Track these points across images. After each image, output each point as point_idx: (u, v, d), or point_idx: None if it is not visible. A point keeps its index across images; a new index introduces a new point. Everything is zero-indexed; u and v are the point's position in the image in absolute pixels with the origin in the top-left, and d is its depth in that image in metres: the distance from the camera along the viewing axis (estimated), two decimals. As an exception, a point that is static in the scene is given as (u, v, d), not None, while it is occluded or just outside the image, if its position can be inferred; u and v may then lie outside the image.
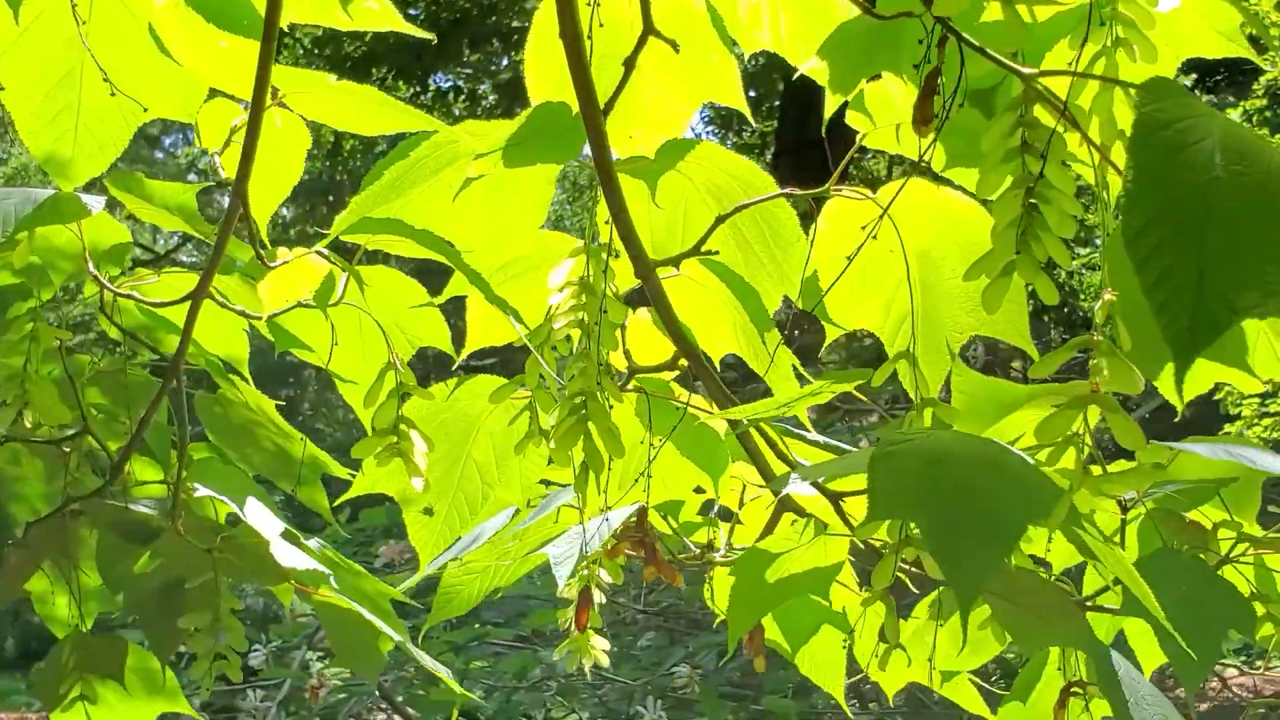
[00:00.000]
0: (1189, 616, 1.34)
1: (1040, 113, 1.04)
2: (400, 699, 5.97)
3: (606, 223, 1.36)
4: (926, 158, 1.02)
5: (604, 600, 2.05)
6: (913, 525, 1.19)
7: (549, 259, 1.48)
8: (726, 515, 1.81)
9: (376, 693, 5.95)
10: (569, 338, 1.46)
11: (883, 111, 1.26)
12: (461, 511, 1.70)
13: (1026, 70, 1.01)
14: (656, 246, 1.42)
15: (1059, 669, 1.65)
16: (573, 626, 1.59)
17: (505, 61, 12.16)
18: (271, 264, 1.34)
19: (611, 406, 1.29)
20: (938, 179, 1.32)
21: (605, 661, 2.09)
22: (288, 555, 1.51)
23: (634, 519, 1.50)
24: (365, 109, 1.38)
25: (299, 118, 1.39)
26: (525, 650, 6.68)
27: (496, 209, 1.38)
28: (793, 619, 1.79)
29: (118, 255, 1.51)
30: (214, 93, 1.44)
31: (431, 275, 1.62)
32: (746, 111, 1.38)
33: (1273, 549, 1.50)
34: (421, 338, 1.57)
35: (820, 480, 1.27)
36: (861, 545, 1.45)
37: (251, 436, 1.80)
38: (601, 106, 1.23)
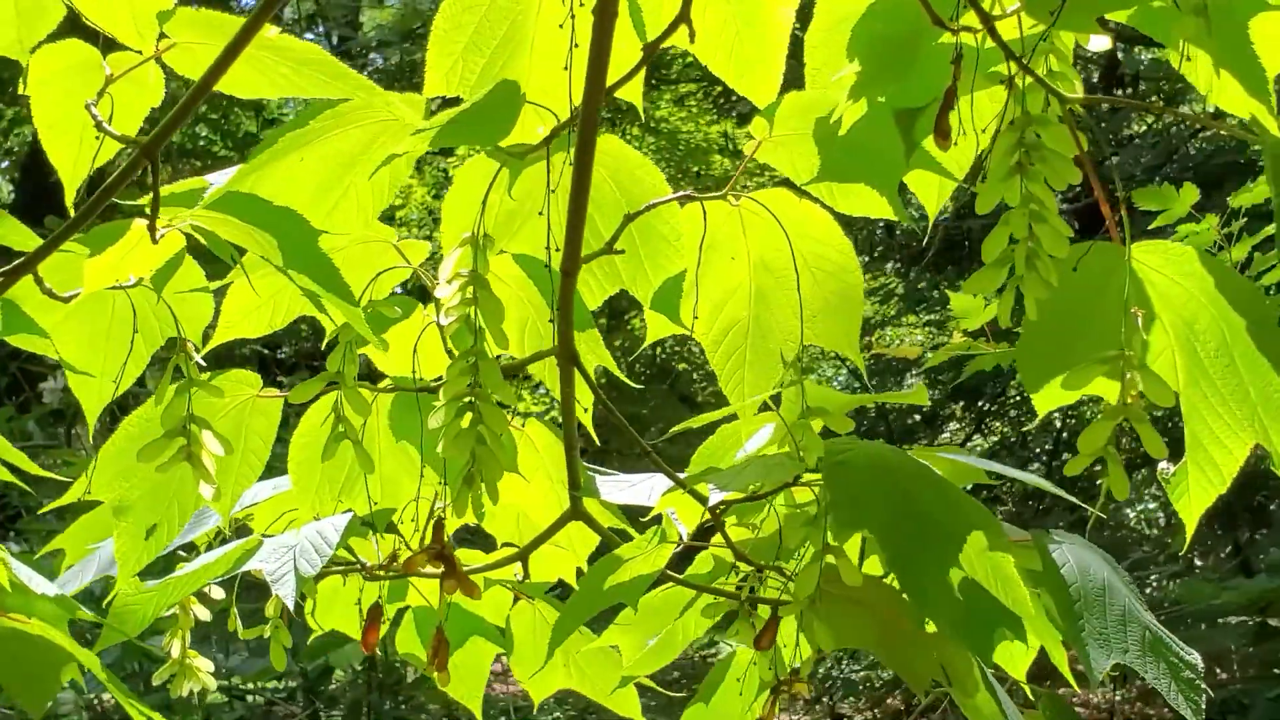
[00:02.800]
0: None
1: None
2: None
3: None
4: (968, 184, 1.03)
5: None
6: (829, 535, 1.20)
7: (366, 248, 1.37)
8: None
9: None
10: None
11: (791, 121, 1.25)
12: (173, 523, 1.53)
13: (1068, 95, 1.05)
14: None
15: (769, 666, 1.70)
16: (362, 647, 1.47)
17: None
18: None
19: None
20: (800, 192, 1.34)
21: (212, 684, 1.94)
22: None
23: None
24: (272, 69, 1.18)
25: (160, 73, 1.18)
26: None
27: (345, 190, 1.25)
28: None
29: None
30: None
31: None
32: (640, 108, 1.32)
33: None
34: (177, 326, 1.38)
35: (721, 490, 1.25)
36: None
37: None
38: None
